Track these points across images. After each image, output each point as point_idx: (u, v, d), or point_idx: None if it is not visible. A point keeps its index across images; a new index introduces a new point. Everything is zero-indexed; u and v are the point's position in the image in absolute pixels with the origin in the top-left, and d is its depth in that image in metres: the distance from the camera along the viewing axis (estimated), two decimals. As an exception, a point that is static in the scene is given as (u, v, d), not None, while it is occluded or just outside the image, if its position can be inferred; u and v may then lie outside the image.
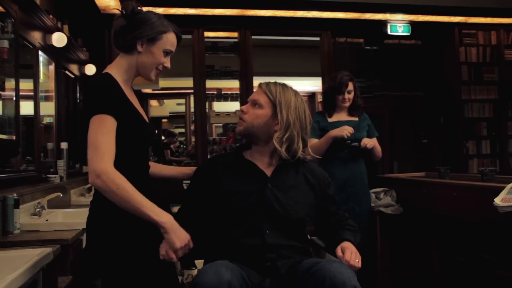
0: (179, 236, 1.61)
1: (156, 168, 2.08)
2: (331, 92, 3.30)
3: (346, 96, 3.25)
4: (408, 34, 6.50)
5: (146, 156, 1.93)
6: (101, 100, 1.69)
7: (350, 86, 3.26)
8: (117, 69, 1.82)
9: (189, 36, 6.06)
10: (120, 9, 1.81)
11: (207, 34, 6.15)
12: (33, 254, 1.96)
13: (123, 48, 1.82)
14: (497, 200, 2.49)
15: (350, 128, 3.11)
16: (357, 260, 1.82)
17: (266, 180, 1.91)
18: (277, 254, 1.83)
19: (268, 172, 1.94)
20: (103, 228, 1.74)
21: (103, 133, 1.64)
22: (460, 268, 3.24)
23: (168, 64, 1.87)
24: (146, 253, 1.74)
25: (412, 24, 6.48)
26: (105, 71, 1.81)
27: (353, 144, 3.12)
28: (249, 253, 1.82)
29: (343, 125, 3.24)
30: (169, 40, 1.84)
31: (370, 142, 3.15)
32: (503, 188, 2.56)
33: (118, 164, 1.65)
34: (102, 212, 1.74)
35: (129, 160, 1.75)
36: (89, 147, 1.63)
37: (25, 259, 1.87)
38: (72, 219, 3.12)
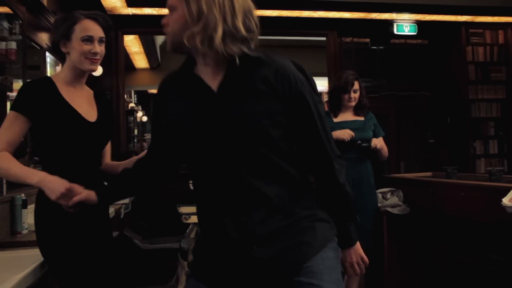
0: (52, 189, 1.61)
1: (115, 167, 2.08)
2: (337, 92, 3.30)
3: (352, 95, 3.24)
4: (415, 33, 6.48)
5: (87, 155, 1.94)
6: (19, 99, 1.85)
7: (356, 85, 3.25)
8: (59, 74, 1.98)
9: (195, 37, 6.07)
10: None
11: (213, 34, 6.15)
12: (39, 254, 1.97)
13: (58, 56, 1.96)
14: (505, 200, 2.48)
15: (351, 132, 3.12)
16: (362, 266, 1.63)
17: (211, 97, 1.44)
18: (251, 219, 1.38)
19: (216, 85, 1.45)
20: (44, 220, 1.85)
21: (5, 127, 1.84)
22: (467, 268, 3.23)
23: (96, 49, 1.90)
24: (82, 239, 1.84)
25: (419, 23, 6.46)
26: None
27: (363, 144, 3.11)
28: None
29: (349, 125, 3.23)
30: (82, 27, 1.88)
31: (379, 143, 3.16)
32: (511, 188, 2.54)
33: (52, 161, 1.87)
34: (41, 207, 1.86)
35: (64, 159, 1.87)
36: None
37: (33, 259, 1.88)
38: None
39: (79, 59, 1.88)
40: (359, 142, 3.12)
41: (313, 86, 1.57)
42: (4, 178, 1.84)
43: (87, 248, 1.85)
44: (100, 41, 1.92)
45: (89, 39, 1.88)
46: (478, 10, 6.33)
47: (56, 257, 1.82)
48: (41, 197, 1.80)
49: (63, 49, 1.89)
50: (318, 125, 1.50)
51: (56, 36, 1.88)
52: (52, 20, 3.75)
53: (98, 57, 1.92)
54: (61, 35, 1.87)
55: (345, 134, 3.11)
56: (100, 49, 1.91)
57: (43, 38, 3.79)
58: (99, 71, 5.30)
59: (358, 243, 1.65)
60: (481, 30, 6.71)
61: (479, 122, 6.62)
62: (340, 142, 3.15)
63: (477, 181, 3.22)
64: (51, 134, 1.85)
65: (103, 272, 1.89)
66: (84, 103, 1.95)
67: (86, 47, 1.87)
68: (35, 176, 1.72)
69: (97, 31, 1.91)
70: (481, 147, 6.62)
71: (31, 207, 2.82)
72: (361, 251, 1.65)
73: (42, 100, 1.83)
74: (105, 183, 1.97)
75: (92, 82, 5.64)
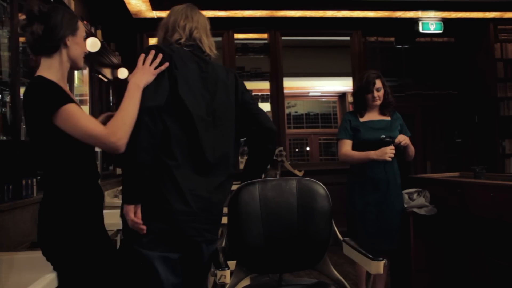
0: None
1: None
2: (360, 93, 3.27)
3: (376, 94, 3.21)
4: (441, 31, 6.40)
5: (93, 151, 1.89)
6: (53, 95, 1.68)
7: (378, 84, 3.21)
8: (49, 71, 1.77)
9: (220, 38, 6.12)
10: (25, 14, 1.77)
11: (237, 36, 6.19)
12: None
13: (49, 49, 1.78)
14: (536, 201, 2.43)
15: (392, 152, 3.05)
16: None
17: None
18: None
19: None
20: (54, 223, 1.73)
21: (85, 117, 1.68)
22: (497, 270, 3.17)
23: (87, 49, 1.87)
24: (93, 244, 1.78)
25: (445, 21, 6.37)
26: (36, 75, 1.76)
27: (386, 139, 3.06)
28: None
29: (375, 124, 3.20)
30: (82, 26, 1.89)
31: (405, 139, 3.10)
32: (542, 188, 2.49)
33: (65, 164, 1.74)
34: (52, 208, 1.74)
35: (75, 161, 1.78)
36: (89, 136, 1.66)
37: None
38: (106, 220, 3.16)
39: (80, 55, 1.87)
40: (383, 136, 3.08)
41: None
42: None
43: (94, 248, 1.80)
44: None
45: (85, 38, 1.92)
46: (507, 6, 6.20)
47: (65, 259, 1.73)
48: (49, 199, 1.74)
49: (68, 43, 1.80)
50: None
51: (66, 29, 1.79)
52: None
53: None
54: (72, 29, 1.82)
55: (385, 155, 3.02)
56: None
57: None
58: (125, 73, 5.39)
59: None
60: (510, 27, 6.58)
61: (508, 121, 6.49)
62: (367, 142, 3.12)
63: (506, 181, 3.16)
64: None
65: (107, 272, 1.83)
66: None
67: (85, 45, 1.91)
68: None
69: None
70: (510, 146, 6.49)
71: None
72: None
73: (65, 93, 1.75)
74: None
75: (119, 85, 5.73)
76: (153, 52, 1.85)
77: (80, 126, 1.65)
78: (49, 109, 1.64)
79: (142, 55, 1.85)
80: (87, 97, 4.48)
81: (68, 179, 1.75)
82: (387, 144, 3.06)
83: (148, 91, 1.77)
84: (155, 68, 1.82)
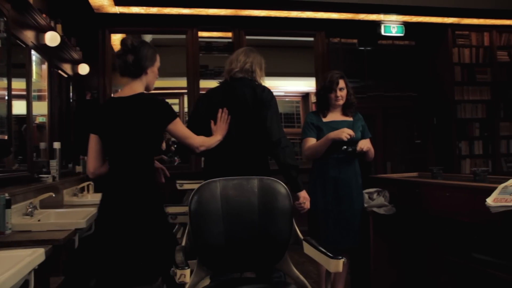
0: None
1: None
2: (323, 92, 3.30)
3: (339, 93, 3.24)
4: (402, 34, 6.53)
5: None
6: (171, 108, 2.43)
7: (341, 84, 3.25)
8: (139, 89, 2.42)
9: (183, 36, 6.06)
10: (121, 46, 2.39)
11: (201, 34, 6.14)
12: (25, 255, 1.94)
13: (133, 74, 2.41)
14: (489, 201, 2.50)
15: (350, 131, 3.08)
16: None
17: None
18: None
19: None
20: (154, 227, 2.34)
21: (184, 127, 2.49)
22: (453, 268, 3.25)
23: None
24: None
25: (406, 24, 6.51)
26: (138, 92, 2.40)
27: (349, 149, 3.11)
28: None
29: (338, 125, 3.23)
30: (158, 58, 2.49)
31: (366, 145, 3.15)
32: (495, 188, 2.56)
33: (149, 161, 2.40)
34: (150, 213, 2.32)
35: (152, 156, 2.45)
36: (187, 138, 2.46)
37: (17, 259, 1.85)
38: (64, 219, 3.10)
39: (154, 81, 2.50)
40: (345, 147, 3.12)
41: None
42: None
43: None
44: None
45: None
46: (464, 12, 6.40)
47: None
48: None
49: (149, 72, 2.43)
50: None
51: (149, 61, 2.42)
52: (38, 17, 3.72)
53: None
54: (152, 61, 2.44)
55: (342, 133, 3.06)
56: None
57: (29, 36, 3.75)
58: (85, 69, 5.26)
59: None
60: (467, 32, 6.78)
61: (464, 123, 6.70)
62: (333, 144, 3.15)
63: (462, 181, 3.24)
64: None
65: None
66: None
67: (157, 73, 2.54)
68: None
69: None
70: (466, 148, 6.70)
71: (15, 207, 2.80)
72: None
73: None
74: None
75: (80, 81, 5.63)
76: None
77: (183, 131, 2.46)
78: (171, 117, 2.38)
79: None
80: (46, 93, 4.35)
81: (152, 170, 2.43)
82: (350, 153, 3.12)
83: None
84: None
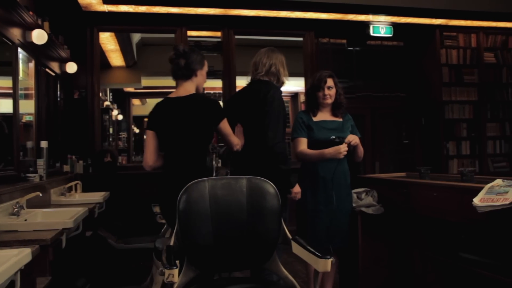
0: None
1: None
2: (312, 90, 3.31)
3: (327, 92, 3.25)
4: (390, 35, 6.56)
5: None
6: (222, 108, 2.78)
7: (330, 82, 3.26)
8: (191, 90, 2.74)
9: (172, 35, 6.03)
10: (174, 51, 2.74)
11: (190, 33, 6.12)
12: (11, 255, 1.92)
13: (185, 76, 2.73)
14: (476, 200, 2.52)
15: (345, 148, 3.11)
16: None
17: None
18: None
19: None
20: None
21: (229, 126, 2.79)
22: (441, 268, 3.28)
23: None
24: None
25: (394, 25, 6.54)
26: (192, 92, 2.73)
27: (336, 140, 3.11)
28: None
29: (328, 125, 3.25)
30: (206, 63, 2.84)
31: (354, 140, 3.15)
32: (482, 188, 2.59)
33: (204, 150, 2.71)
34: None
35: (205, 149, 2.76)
36: (230, 135, 2.79)
37: (2, 259, 1.83)
38: (51, 219, 3.07)
39: (203, 83, 2.82)
40: (333, 137, 3.13)
41: None
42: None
43: None
44: None
45: None
46: (452, 14, 6.44)
47: None
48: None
49: (198, 74, 2.76)
50: None
51: (198, 65, 2.76)
52: (24, 15, 3.68)
53: None
54: (201, 65, 2.79)
55: (339, 155, 3.11)
56: None
57: (15, 33, 3.71)
58: (73, 67, 5.22)
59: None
60: (454, 33, 6.83)
61: (452, 124, 6.75)
62: (319, 142, 3.16)
63: (449, 181, 3.26)
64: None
65: None
66: None
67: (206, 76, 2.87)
68: None
69: None
70: (453, 148, 6.75)
71: (1, 207, 2.79)
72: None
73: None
74: None
75: (67, 79, 5.58)
76: None
77: (229, 129, 2.78)
78: (222, 115, 2.71)
79: None
80: (33, 91, 4.31)
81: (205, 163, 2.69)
82: (337, 144, 3.12)
83: None
84: None
